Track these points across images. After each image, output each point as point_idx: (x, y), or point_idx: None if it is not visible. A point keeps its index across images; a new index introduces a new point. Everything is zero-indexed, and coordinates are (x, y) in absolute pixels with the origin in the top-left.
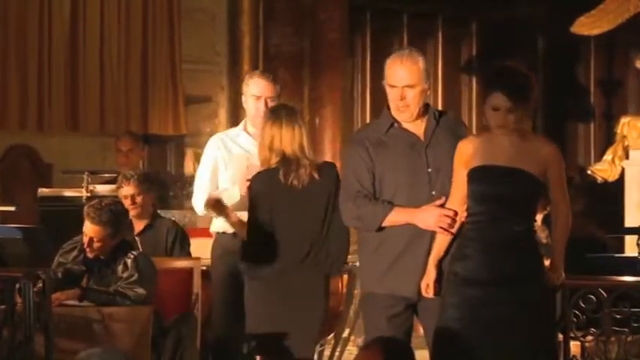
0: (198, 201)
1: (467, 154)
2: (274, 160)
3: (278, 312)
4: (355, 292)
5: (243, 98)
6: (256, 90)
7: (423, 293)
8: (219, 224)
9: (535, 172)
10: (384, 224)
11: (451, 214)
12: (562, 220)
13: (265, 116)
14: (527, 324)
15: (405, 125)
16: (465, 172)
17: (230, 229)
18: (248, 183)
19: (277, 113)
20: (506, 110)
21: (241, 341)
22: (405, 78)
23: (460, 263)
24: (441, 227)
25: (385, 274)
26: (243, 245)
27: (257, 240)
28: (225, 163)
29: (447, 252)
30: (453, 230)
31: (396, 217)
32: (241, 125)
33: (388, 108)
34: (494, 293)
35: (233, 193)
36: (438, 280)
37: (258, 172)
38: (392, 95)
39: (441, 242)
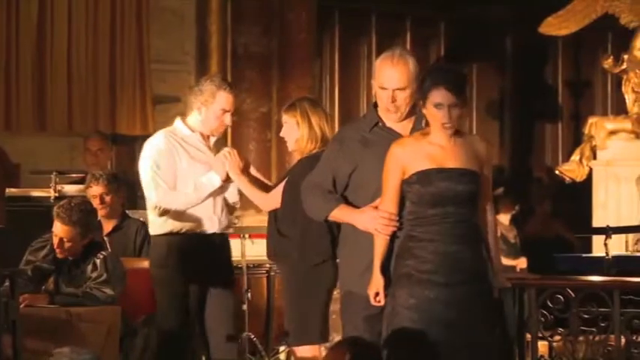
0: (177, 196)
1: (404, 156)
2: (318, 148)
3: (311, 302)
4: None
5: (198, 105)
6: (227, 105)
7: (373, 302)
8: (168, 224)
9: (477, 169)
10: (329, 218)
11: (387, 215)
12: (493, 220)
13: (303, 110)
14: (496, 320)
15: (390, 124)
16: (400, 175)
17: (182, 229)
18: (236, 170)
19: (318, 105)
20: (449, 106)
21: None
22: (396, 81)
23: (414, 264)
24: (377, 230)
25: (363, 274)
26: (277, 234)
27: (289, 218)
28: (188, 163)
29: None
30: (389, 232)
31: (339, 214)
32: (181, 124)
33: (375, 106)
34: (461, 292)
35: (212, 181)
36: (386, 286)
37: (307, 157)
38: (382, 96)
39: (382, 245)
